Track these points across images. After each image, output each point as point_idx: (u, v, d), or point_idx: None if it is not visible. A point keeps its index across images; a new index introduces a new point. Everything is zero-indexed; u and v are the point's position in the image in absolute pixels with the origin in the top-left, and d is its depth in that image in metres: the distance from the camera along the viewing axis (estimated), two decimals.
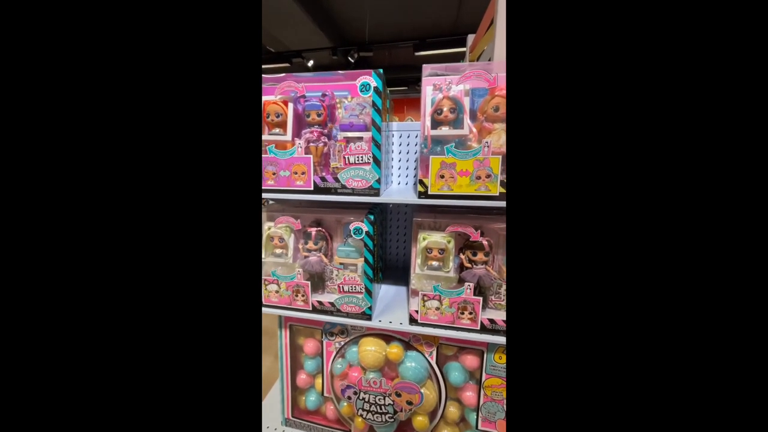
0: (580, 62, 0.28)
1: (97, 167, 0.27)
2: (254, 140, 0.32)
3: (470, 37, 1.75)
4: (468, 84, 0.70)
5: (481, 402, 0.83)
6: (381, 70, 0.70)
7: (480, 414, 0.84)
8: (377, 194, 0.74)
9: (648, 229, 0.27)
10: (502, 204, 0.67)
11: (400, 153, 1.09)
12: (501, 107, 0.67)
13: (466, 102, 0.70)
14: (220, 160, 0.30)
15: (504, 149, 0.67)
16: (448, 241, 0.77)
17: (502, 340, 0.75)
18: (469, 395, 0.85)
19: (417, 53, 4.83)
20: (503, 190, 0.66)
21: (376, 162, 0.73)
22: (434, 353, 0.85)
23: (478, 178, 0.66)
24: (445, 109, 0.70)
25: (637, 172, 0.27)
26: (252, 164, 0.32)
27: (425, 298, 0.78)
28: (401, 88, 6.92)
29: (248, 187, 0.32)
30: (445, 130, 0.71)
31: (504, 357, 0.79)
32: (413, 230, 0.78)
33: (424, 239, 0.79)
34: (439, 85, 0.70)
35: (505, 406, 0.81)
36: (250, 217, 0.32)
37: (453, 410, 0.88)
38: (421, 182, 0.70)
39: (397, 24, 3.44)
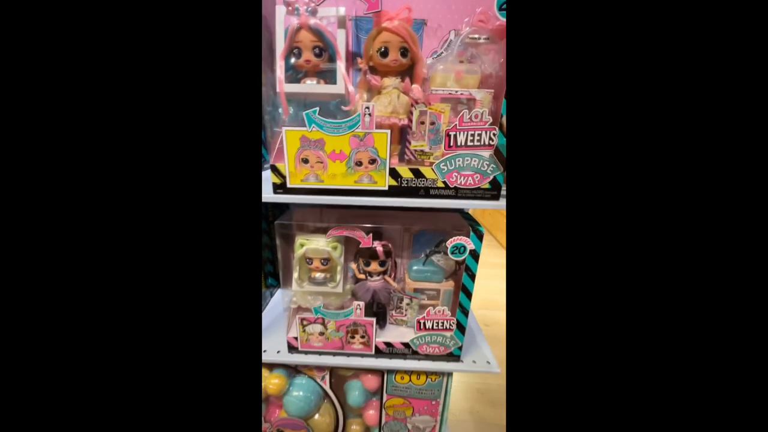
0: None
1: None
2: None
3: None
4: (343, 8, 0.43)
5: (383, 421, 0.72)
6: None
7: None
8: None
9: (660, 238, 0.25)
10: (395, 202, 0.46)
11: None
12: (392, 50, 0.43)
13: (341, 39, 0.44)
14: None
15: (398, 119, 0.44)
16: (334, 248, 0.56)
17: (400, 364, 0.61)
18: (371, 414, 0.73)
19: None
20: (394, 183, 0.45)
21: None
22: (327, 377, 0.69)
23: (359, 164, 0.44)
24: (305, 49, 0.43)
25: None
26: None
27: (304, 323, 0.59)
28: None
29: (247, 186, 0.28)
30: (308, 85, 0.45)
31: (406, 377, 0.67)
32: (276, 236, 0.55)
33: (301, 245, 0.57)
34: (293, 3, 0.42)
35: (408, 425, 0.71)
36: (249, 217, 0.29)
37: (356, 428, 0.76)
38: (276, 170, 0.45)
39: None
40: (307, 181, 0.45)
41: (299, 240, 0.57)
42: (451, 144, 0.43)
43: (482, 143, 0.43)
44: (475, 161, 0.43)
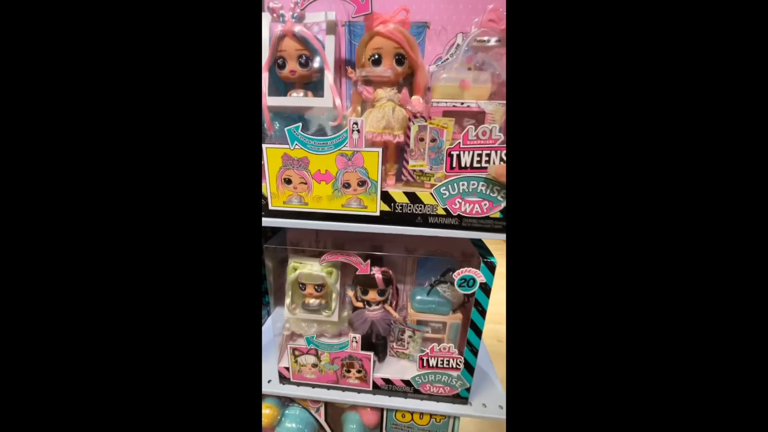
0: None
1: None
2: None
3: None
4: (333, 12, 0.38)
5: None
6: None
7: None
8: None
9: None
10: (388, 230, 0.40)
11: None
12: (385, 57, 0.37)
13: (330, 46, 0.39)
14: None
15: (392, 135, 0.39)
16: (329, 273, 0.52)
17: (400, 403, 0.55)
18: None
19: None
20: (387, 208, 0.39)
21: None
22: (322, 408, 0.64)
23: (346, 185, 0.39)
24: (290, 58, 0.39)
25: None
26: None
27: (296, 353, 0.54)
28: None
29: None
30: (293, 98, 0.40)
31: (408, 415, 0.60)
32: (263, 259, 0.51)
33: (294, 269, 0.52)
34: (277, 9, 0.38)
35: None
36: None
37: None
38: None
39: None
40: (290, 203, 0.41)
41: (292, 263, 0.53)
42: (454, 165, 0.36)
43: (491, 165, 0.36)
44: (482, 186, 0.36)
